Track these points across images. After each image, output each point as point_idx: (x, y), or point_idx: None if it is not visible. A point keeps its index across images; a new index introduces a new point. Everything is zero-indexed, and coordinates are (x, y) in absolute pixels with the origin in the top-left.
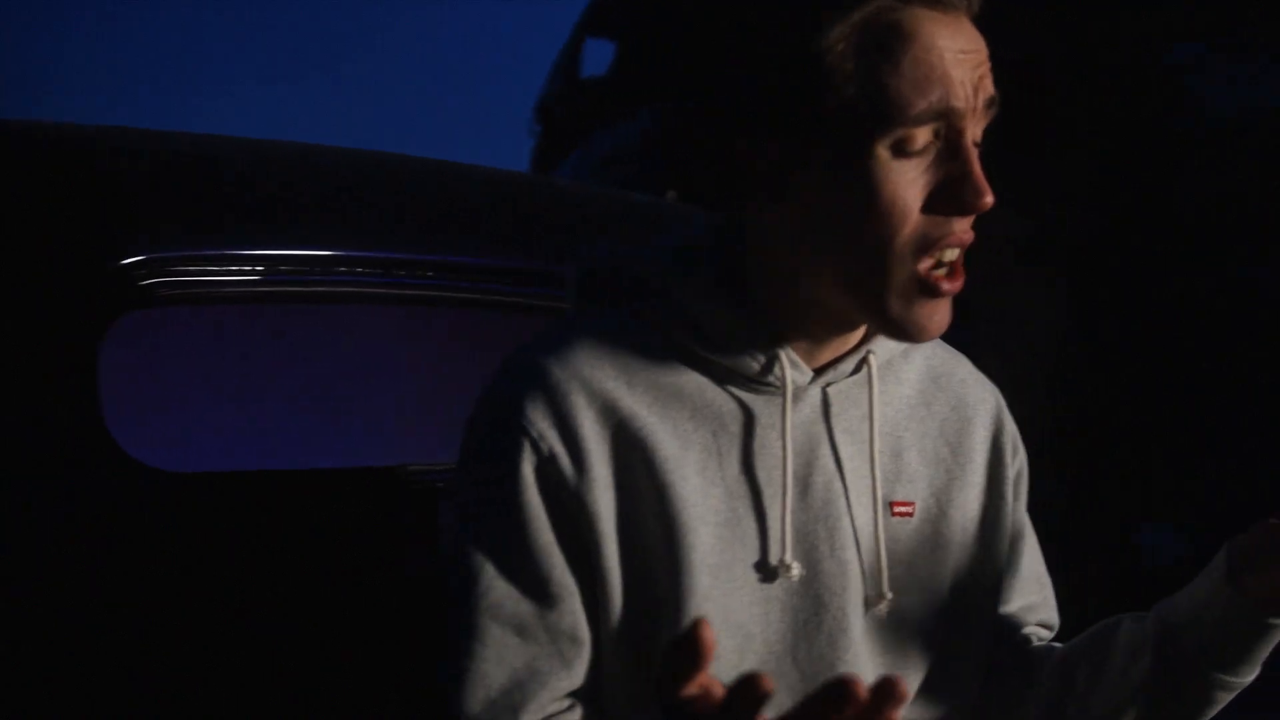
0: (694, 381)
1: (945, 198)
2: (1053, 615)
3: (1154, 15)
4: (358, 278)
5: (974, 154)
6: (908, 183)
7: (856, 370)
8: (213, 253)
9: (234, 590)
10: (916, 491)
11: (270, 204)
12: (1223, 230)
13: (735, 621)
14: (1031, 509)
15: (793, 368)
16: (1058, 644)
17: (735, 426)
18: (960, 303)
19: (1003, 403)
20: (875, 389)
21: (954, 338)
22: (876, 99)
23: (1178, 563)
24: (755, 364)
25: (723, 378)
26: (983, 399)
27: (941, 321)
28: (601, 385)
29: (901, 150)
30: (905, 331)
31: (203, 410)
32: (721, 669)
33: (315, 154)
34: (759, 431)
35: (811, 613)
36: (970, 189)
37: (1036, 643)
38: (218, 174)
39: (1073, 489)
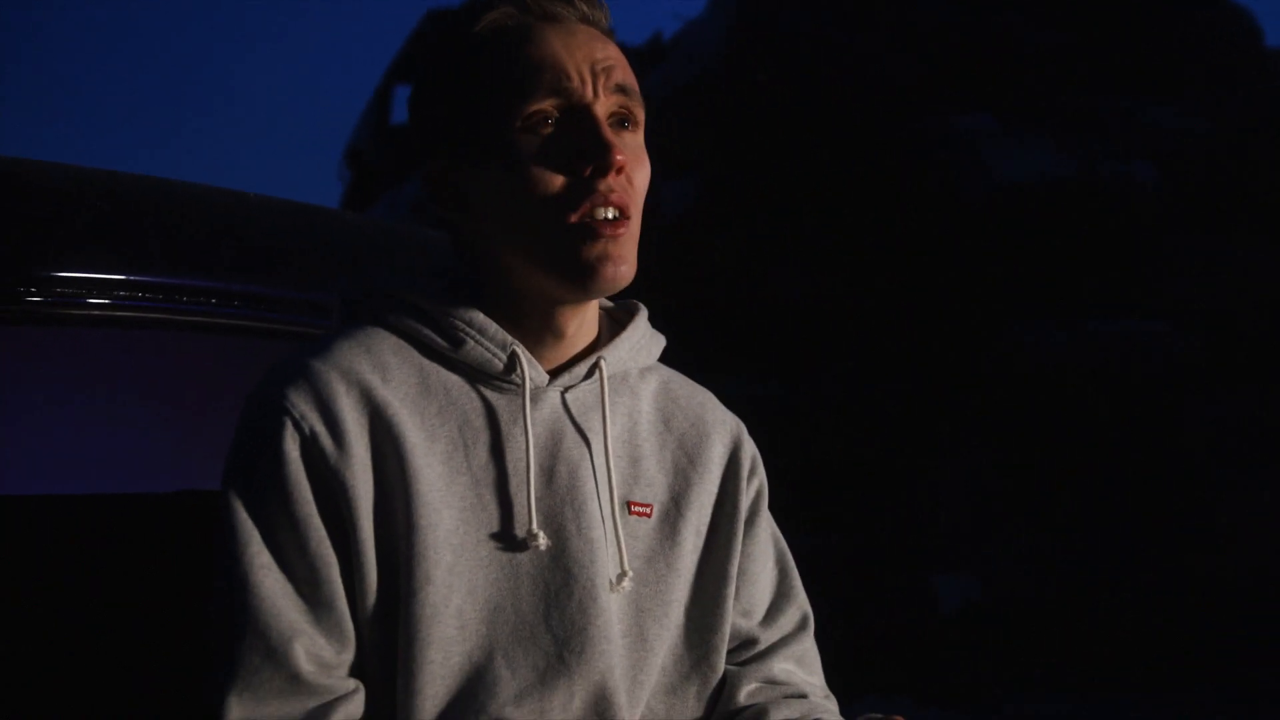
0: (444, 381)
1: (577, 157)
2: (787, 625)
3: (941, 85)
4: (149, 303)
5: (601, 121)
6: (542, 153)
7: (589, 376)
8: None
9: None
10: (655, 495)
11: (35, 224)
12: (1002, 292)
13: (483, 595)
14: (834, 561)
15: (530, 366)
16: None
17: (481, 422)
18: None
19: (744, 430)
20: (605, 390)
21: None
22: (501, 90)
23: (969, 607)
24: (499, 362)
25: (474, 378)
26: (722, 421)
27: (613, 264)
28: (359, 376)
29: (531, 128)
30: (580, 274)
31: None
32: (469, 636)
33: (82, 175)
34: (504, 427)
35: (562, 584)
36: (593, 146)
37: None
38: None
39: (871, 539)
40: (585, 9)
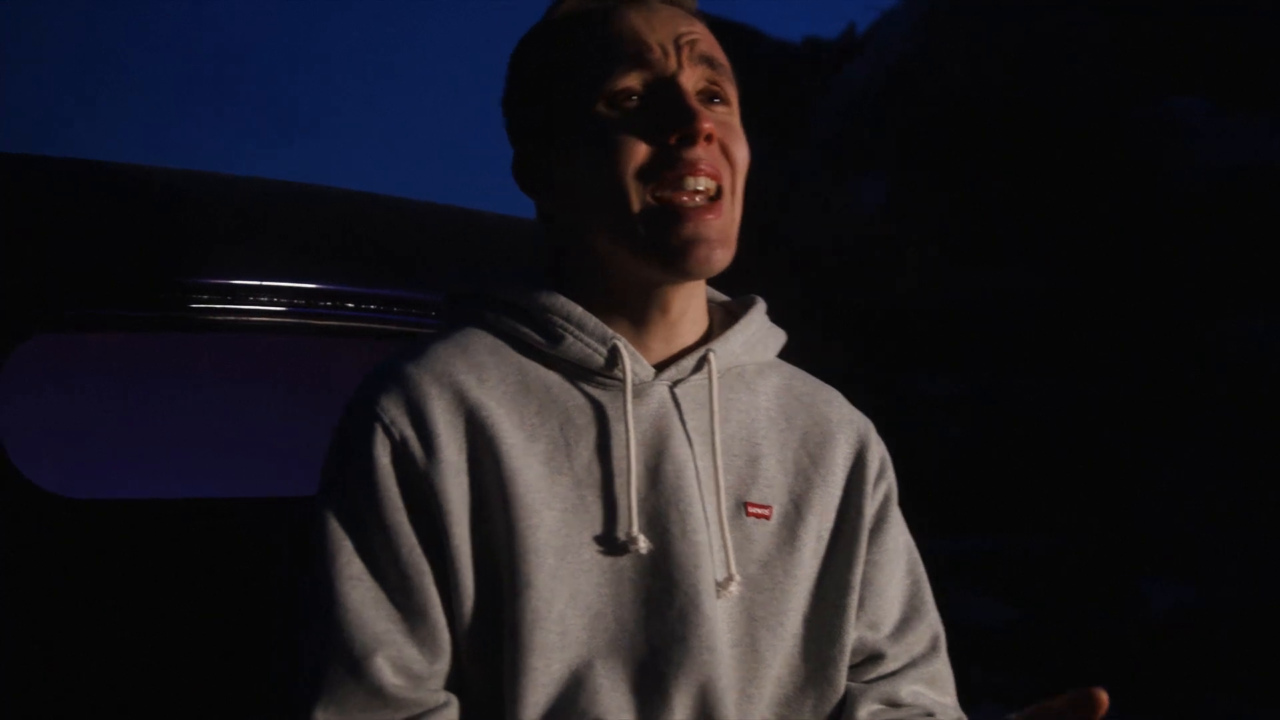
0: (543, 379)
1: (662, 124)
2: (917, 645)
3: (1151, 67)
4: (271, 307)
5: (686, 90)
6: (627, 124)
7: (698, 369)
8: (120, 279)
9: (136, 620)
10: (774, 496)
11: (182, 231)
12: (1214, 283)
13: (585, 601)
14: (1037, 562)
15: (633, 360)
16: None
17: (584, 420)
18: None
19: (872, 430)
20: (715, 383)
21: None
22: (584, 68)
23: (1184, 612)
24: (599, 357)
25: (574, 375)
26: (849, 420)
27: (707, 246)
28: (453, 378)
29: (615, 104)
30: (670, 257)
31: (108, 437)
32: (570, 644)
33: (229, 183)
34: (608, 424)
35: (663, 590)
36: (678, 113)
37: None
38: (127, 200)
39: (1074, 541)
40: None
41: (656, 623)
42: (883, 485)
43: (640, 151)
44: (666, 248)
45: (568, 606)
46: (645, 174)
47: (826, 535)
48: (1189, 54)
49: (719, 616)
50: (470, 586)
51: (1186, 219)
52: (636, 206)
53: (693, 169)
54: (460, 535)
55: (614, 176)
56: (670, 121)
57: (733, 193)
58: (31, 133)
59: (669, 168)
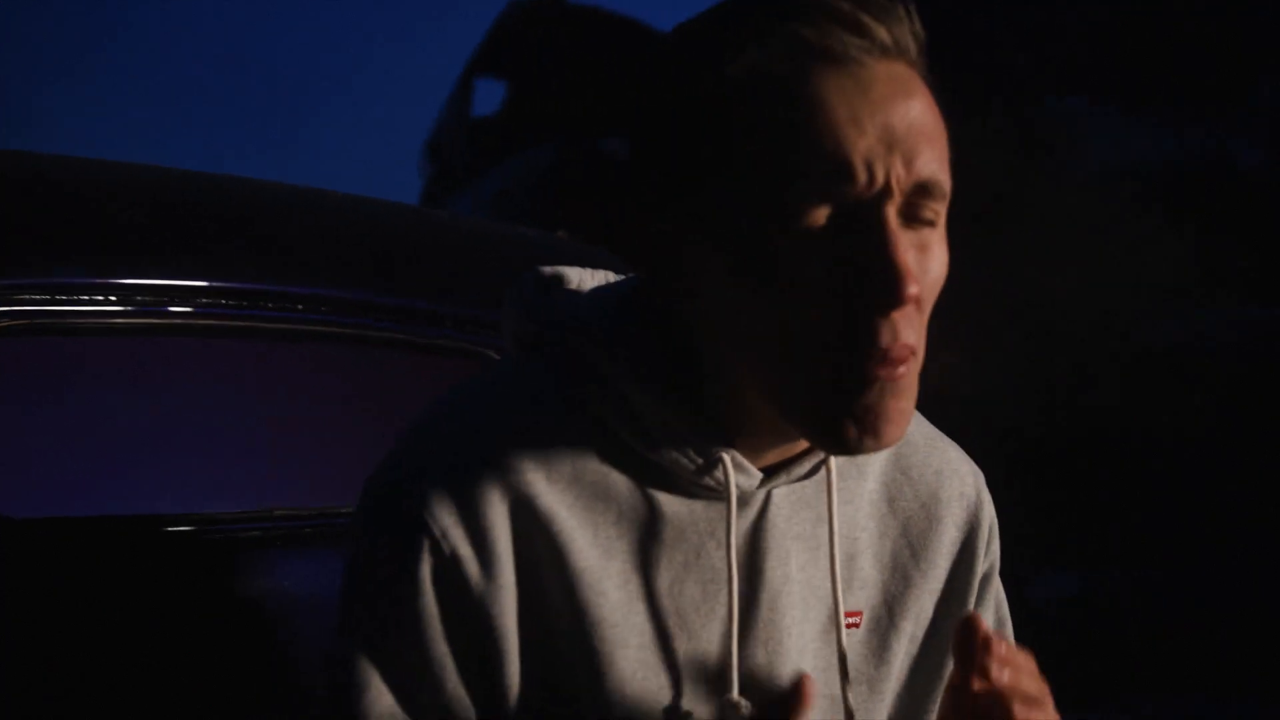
0: (624, 480)
1: (854, 283)
2: None
3: (1041, 65)
4: (220, 310)
5: (892, 233)
6: (805, 264)
7: (813, 472)
8: (59, 281)
9: (78, 644)
10: (866, 599)
11: (125, 230)
12: (1106, 284)
13: None
14: None
15: (738, 471)
16: None
17: (667, 533)
18: None
19: (983, 490)
20: (835, 497)
21: None
22: (756, 169)
23: (1065, 602)
24: (690, 463)
25: (655, 477)
26: (960, 492)
27: (887, 423)
28: (518, 476)
29: (798, 229)
30: (834, 433)
31: (49, 452)
32: None
33: (176, 178)
34: (695, 540)
35: None
36: (879, 274)
37: None
38: (66, 197)
39: None
40: (885, 35)
41: None
42: (988, 559)
43: (817, 311)
44: (832, 421)
45: None
46: (827, 339)
47: (921, 635)
48: (1070, 51)
49: None
50: None
51: (1077, 216)
52: (801, 370)
53: (883, 356)
54: (512, 675)
55: (779, 330)
56: (864, 278)
57: (925, 336)
58: (28, 132)
59: (854, 349)
